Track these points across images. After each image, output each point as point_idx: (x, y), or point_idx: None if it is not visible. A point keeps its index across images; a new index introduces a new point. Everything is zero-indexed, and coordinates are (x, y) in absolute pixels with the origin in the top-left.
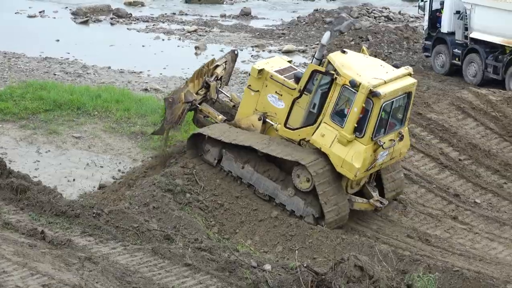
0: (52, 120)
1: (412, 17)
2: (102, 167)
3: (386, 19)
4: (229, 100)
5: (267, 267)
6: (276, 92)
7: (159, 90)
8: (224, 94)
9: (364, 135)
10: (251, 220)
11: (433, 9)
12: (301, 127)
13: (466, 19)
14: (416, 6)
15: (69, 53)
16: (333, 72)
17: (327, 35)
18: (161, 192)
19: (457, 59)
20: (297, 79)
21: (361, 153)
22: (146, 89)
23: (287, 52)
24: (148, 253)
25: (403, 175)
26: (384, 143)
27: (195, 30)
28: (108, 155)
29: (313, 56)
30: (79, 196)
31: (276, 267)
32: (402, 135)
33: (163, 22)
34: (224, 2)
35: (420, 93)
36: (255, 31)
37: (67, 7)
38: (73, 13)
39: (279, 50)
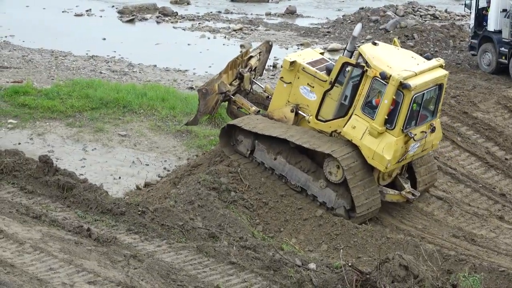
0: (98, 118)
1: (458, 16)
2: (147, 165)
3: (432, 17)
4: (263, 91)
5: (312, 266)
6: (308, 84)
7: None
8: (258, 85)
9: (395, 127)
10: (296, 219)
11: (479, 7)
12: (333, 119)
13: None
14: (462, 4)
15: (115, 51)
16: (363, 64)
17: (358, 27)
18: (206, 191)
19: (503, 57)
20: (329, 71)
21: (392, 145)
22: (191, 88)
23: (333, 51)
24: (193, 251)
25: (436, 167)
26: (415, 134)
27: (240, 29)
28: (153, 153)
29: (345, 48)
30: (124, 194)
31: (321, 266)
32: (434, 127)
33: (209, 21)
34: (270, 1)
35: (466, 91)
36: (301, 29)
37: (113, 6)
38: (119, 12)
39: (325, 49)
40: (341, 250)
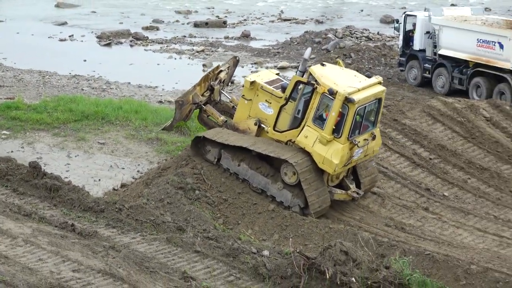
0: (80, 129)
1: (388, 37)
2: (123, 168)
3: (367, 39)
4: (229, 102)
5: (265, 252)
6: (266, 100)
7: (172, 102)
8: (226, 96)
9: (341, 135)
10: (251, 213)
11: (406, 30)
12: (288, 130)
13: (435, 38)
14: (392, 27)
15: (94, 71)
16: (314, 82)
17: (308, 50)
18: (174, 190)
19: (427, 72)
20: (284, 89)
21: (339, 151)
22: (160, 101)
23: (282, 68)
24: (163, 242)
25: (377, 171)
26: (359, 142)
27: (202, 50)
28: (128, 158)
29: (297, 69)
30: (103, 194)
31: (273, 253)
32: (375, 135)
33: (175, 44)
34: (227, 26)
35: (396, 102)
36: (254, 50)
37: (92, 32)
38: (97, 37)
39: (275, 67)
40: (290, 239)
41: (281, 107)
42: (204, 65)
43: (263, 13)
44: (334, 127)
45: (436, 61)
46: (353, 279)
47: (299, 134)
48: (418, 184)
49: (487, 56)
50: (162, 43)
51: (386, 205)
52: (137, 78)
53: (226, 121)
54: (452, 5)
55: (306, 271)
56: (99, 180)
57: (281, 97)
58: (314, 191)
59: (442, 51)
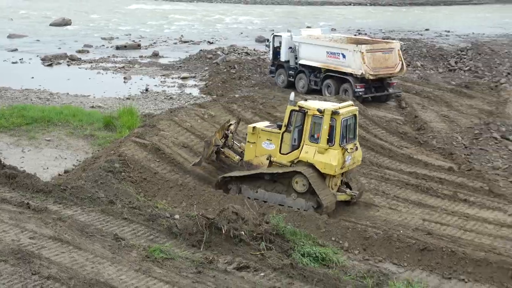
0: (31, 130)
1: (262, 52)
2: (66, 159)
3: (246, 54)
4: (239, 147)
5: (177, 216)
6: (267, 139)
7: (102, 106)
8: (235, 143)
9: (334, 143)
10: (165, 187)
11: (275, 46)
12: (291, 152)
13: (296, 52)
14: (264, 45)
15: (40, 85)
16: (304, 108)
17: (292, 94)
18: (105, 173)
19: (291, 77)
20: (280, 126)
21: (335, 155)
22: (92, 107)
23: (184, 78)
24: (99, 213)
25: (361, 181)
26: (348, 148)
27: (123, 67)
28: (69, 151)
29: (288, 104)
30: (51, 178)
31: (183, 216)
32: (357, 147)
33: (102, 62)
34: (141, 48)
35: (269, 100)
36: (162, 65)
37: (37, 55)
38: (42, 59)
39: (178, 77)
40: (195, 205)
41: (283, 133)
42: (124, 78)
43: (168, 37)
44: (327, 138)
45: (297, 68)
46: (243, 232)
47: (300, 153)
48: None
49: (335, 63)
50: (91, 62)
51: None
52: (74, 90)
53: (242, 159)
54: (308, 27)
55: (207, 228)
56: (47, 168)
57: (279, 133)
58: (323, 191)
59: (301, 61)
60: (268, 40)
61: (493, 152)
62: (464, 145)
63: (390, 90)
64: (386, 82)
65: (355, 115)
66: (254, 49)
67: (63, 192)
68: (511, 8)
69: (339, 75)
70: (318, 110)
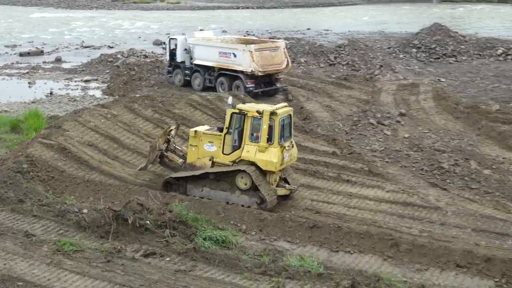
0: None
1: (159, 54)
2: None
3: (144, 56)
4: (180, 150)
5: (85, 210)
6: (209, 141)
7: (8, 111)
8: (176, 147)
9: (273, 142)
10: (72, 184)
11: (171, 48)
12: (232, 152)
13: (191, 53)
14: (161, 47)
15: None
16: (244, 110)
17: (230, 99)
18: (14, 173)
19: (187, 76)
20: (220, 129)
21: (275, 153)
22: None
23: (87, 81)
24: (9, 212)
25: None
26: (286, 146)
27: (27, 72)
28: None
29: (227, 108)
30: None
31: (90, 210)
32: (293, 144)
33: (6, 69)
34: (44, 54)
35: (168, 98)
36: (66, 70)
37: None
38: None
39: (81, 80)
40: (102, 199)
41: (225, 135)
42: (29, 83)
43: (70, 43)
44: (267, 137)
45: (193, 68)
46: (148, 221)
47: (242, 152)
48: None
49: (227, 62)
50: None
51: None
52: None
53: (185, 161)
54: (201, 29)
55: (114, 220)
56: None
57: (220, 134)
58: (265, 187)
59: (196, 61)
60: (164, 43)
61: (370, 136)
62: (345, 131)
63: (278, 85)
64: (273, 77)
65: (290, 115)
66: (152, 52)
67: None
68: (381, 8)
69: (231, 73)
70: (257, 112)
